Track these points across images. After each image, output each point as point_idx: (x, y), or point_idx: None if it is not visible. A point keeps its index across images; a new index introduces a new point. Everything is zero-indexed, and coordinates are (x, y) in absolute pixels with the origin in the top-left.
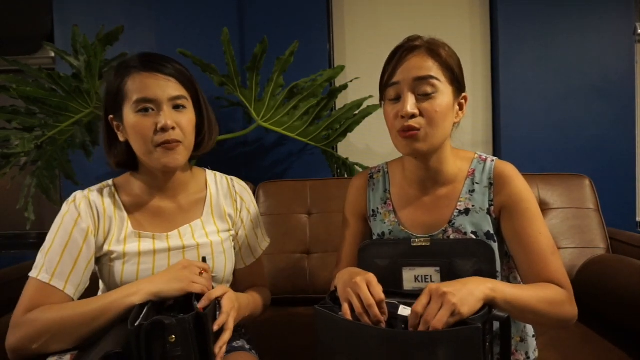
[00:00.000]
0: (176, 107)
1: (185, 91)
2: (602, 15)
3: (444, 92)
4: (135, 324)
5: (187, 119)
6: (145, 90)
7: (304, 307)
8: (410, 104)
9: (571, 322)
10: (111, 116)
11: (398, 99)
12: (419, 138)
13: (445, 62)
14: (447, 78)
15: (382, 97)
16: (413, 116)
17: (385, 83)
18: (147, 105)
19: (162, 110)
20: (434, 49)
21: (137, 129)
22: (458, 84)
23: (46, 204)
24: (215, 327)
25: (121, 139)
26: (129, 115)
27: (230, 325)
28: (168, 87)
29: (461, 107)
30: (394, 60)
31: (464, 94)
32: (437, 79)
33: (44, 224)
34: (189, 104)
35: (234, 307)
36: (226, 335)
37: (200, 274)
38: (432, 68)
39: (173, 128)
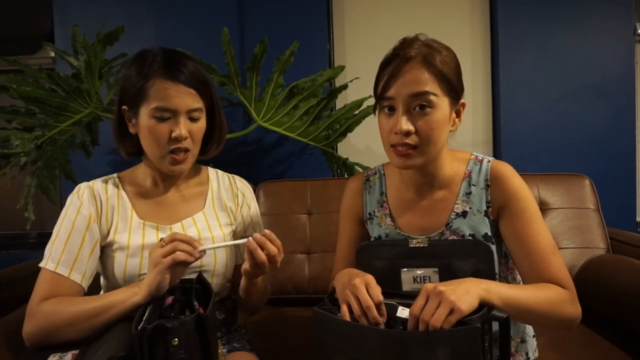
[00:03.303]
0: (191, 119)
1: (202, 103)
2: (602, 15)
3: (440, 106)
4: (138, 328)
5: (198, 128)
6: (166, 99)
7: (303, 307)
8: (404, 122)
9: (574, 323)
10: (125, 107)
11: (392, 110)
12: (413, 155)
13: (441, 73)
14: (443, 90)
15: (375, 106)
16: (408, 133)
17: (379, 95)
18: (164, 115)
19: (179, 121)
20: (429, 59)
21: (152, 133)
22: (455, 93)
23: (46, 204)
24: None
25: (132, 131)
26: (145, 117)
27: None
28: (188, 99)
29: (458, 115)
30: (388, 71)
31: (461, 101)
32: (433, 93)
33: (44, 224)
34: (203, 115)
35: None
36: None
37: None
38: (427, 82)
39: (185, 138)
